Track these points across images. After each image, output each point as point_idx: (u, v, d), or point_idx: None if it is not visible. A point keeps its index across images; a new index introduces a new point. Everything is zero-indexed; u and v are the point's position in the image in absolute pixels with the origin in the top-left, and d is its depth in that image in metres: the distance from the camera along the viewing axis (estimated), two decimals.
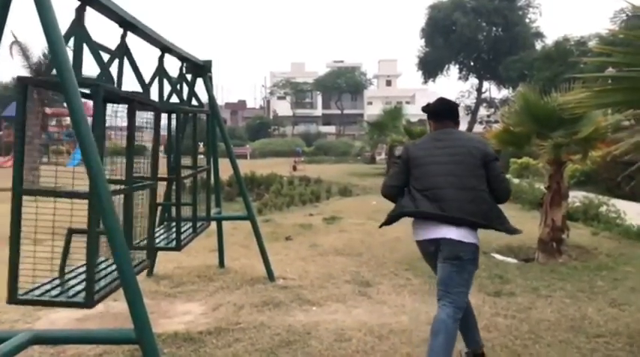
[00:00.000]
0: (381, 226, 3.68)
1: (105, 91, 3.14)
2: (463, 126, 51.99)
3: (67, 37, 3.02)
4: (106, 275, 3.37)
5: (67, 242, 3.62)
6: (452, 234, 3.22)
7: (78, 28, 3.06)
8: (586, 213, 9.51)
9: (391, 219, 3.55)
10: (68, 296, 3.16)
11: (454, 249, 3.24)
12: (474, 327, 3.63)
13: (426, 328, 4.32)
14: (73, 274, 3.48)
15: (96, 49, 3.17)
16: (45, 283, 3.22)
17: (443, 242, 3.26)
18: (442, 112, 3.67)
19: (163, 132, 5.13)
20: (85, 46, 3.12)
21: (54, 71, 2.81)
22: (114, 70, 3.48)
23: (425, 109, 3.74)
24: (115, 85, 3.47)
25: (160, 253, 6.22)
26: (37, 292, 3.15)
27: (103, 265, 3.51)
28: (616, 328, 4.33)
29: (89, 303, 3.04)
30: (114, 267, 3.32)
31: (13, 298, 3.09)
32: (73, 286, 3.27)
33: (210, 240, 7.05)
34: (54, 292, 3.16)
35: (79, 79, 2.83)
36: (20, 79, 2.98)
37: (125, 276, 2.80)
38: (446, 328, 3.17)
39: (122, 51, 3.56)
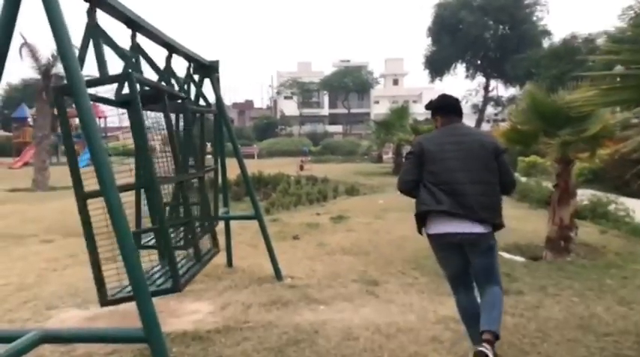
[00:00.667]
0: (420, 231, 3.68)
1: (137, 79, 3.24)
2: (470, 124, 51.71)
3: (85, 40, 3.08)
4: (182, 266, 3.81)
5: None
6: (477, 228, 3.40)
7: (94, 29, 3.10)
8: (594, 211, 9.46)
9: (419, 219, 3.61)
10: (157, 285, 3.59)
11: (484, 241, 3.43)
12: (489, 311, 3.52)
13: (434, 327, 4.35)
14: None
15: (116, 44, 3.21)
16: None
17: (471, 236, 3.41)
18: (448, 107, 3.78)
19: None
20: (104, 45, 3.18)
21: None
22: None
23: (430, 105, 3.82)
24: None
25: None
26: (124, 291, 3.50)
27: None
28: (625, 327, 4.31)
29: (177, 287, 3.45)
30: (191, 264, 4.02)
31: (104, 301, 3.40)
32: (155, 279, 3.67)
33: (218, 239, 7.07)
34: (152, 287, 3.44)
35: (105, 76, 2.95)
36: (55, 89, 3.09)
37: (134, 276, 2.82)
38: (499, 297, 3.47)
39: (136, 50, 3.60)
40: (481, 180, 3.43)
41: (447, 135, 3.63)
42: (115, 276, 3.49)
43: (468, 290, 3.64)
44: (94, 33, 3.11)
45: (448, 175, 3.45)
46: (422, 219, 3.58)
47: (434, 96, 4.04)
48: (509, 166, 3.59)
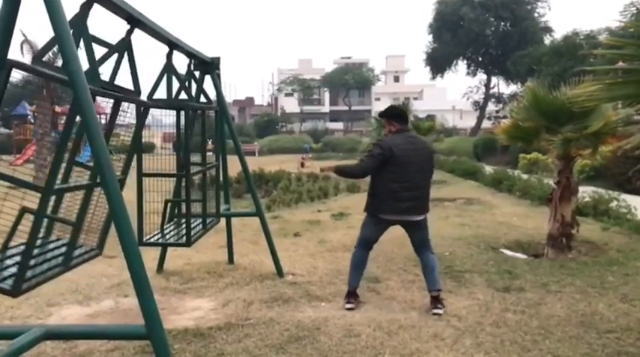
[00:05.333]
0: (367, 211, 4.89)
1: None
2: (471, 121, 51.97)
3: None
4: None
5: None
6: (423, 215, 4.83)
7: (78, 20, 3.04)
8: (596, 208, 9.44)
9: (375, 204, 4.81)
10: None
11: (424, 221, 4.90)
12: (430, 273, 4.81)
13: (436, 324, 4.35)
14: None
15: (90, 42, 3.14)
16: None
17: (420, 221, 4.83)
18: (402, 115, 4.93)
19: (169, 129, 5.18)
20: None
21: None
22: (111, 64, 3.50)
23: (386, 113, 4.94)
24: (110, 80, 3.50)
25: (169, 250, 6.28)
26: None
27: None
28: (627, 324, 4.30)
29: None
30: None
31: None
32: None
33: (220, 236, 7.08)
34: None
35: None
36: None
37: (135, 272, 2.81)
38: (435, 262, 4.88)
39: (124, 46, 3.55)
40: (428, 178, 4.89)
41: (407, 142, 4.70)
42: None
43: (369, 250, 4.94)
44: (77, 25, 3.03)
45: (409, 175, 4.61)
46: (377, 204, 4.72)
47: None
48: None
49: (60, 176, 3.34)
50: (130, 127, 3.94)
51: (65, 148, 3.40)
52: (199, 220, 5.21)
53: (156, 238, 4.87)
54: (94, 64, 3.18)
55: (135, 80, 3.73)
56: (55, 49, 2.93)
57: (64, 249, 3.48)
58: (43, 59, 3.03)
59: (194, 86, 5.41)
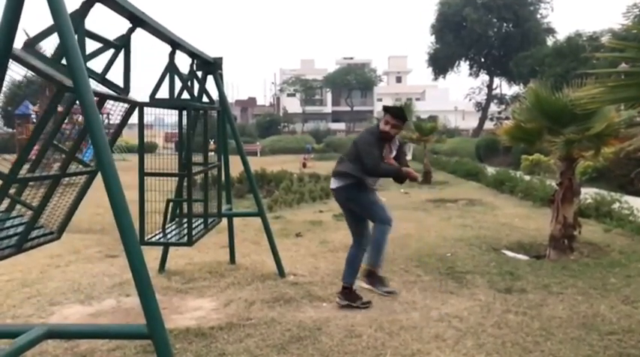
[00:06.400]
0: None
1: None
2: (474, 122, 51.89)
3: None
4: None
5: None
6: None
7: (77, 17, 3.05)
8: (598, 210, 9.42)
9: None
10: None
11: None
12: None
13: (437, 325, 4.34)
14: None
15: (83, 36, 3.13)
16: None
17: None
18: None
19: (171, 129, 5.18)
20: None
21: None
22: (105, 59, 3.51)
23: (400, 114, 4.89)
24: (103, 74, 3.50)
25: (171, 249, 6.28)
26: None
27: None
28: (629, 326, 4.29)
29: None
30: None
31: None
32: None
33: (221, 236, 7.08)
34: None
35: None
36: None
37: (137, 272, 2.81)
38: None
39: (122, 43, 3.55)
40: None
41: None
42: None
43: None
44: (75, 20, 3.04)
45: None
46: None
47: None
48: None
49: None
50: (112, 127, 3.96)
51: (37, 138, 3.39)
52: (201, 220, 5.22)
53: (157, 237, 4.87)
54: (84, 57, 3.18)
55: (126, 78, 3.72)
56: (54, 47, 2.94)
57: (20, 228, 3.44)
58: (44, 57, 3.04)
59: (196, 86, 5.42)
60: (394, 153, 5.02)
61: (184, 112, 4.76)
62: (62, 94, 3.11)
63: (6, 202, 3.44)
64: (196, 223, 5.07)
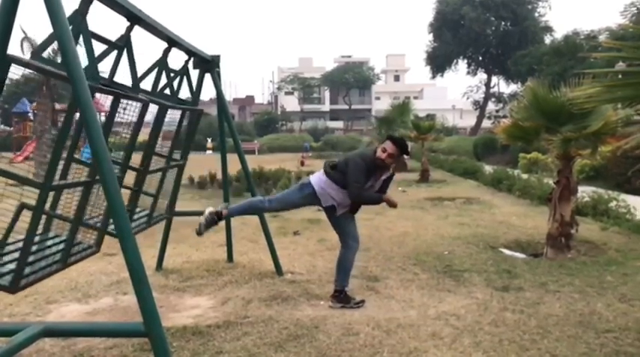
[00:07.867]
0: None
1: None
2: (471, 121, 51.96)
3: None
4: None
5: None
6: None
7: (77, 16, 3.04)
8: (595, 208, 9.44)
9: None
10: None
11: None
12: None
13: (434, 323, 4.35)
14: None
15: (89, 38, 3.12)
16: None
17: None
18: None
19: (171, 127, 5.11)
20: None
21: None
22: (110, 60, 3.49)
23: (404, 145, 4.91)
24: (110, 77, 3.49)
25: (168, 248, 6.28)
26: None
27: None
28: (625, 324, 4.31)
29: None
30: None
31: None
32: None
33: (219, 235, 7.07)
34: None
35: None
36: None
37: (134, 270, 2.81)
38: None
39: (123, 43, 3.54)
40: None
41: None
42: None
43: None
44: (76, 21, 3.02)
45: None
46: None
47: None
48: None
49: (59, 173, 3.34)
50: (131, 125, 3.91)
51: (63, 144, 3.40)
52: (145, 213, 4.97)
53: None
54: (94, 60, 3.18)
55: (134, 77, 3.72)
56: (55, 46, 2.93)
57: (62, 246, 3.47)
58: (44, 56, 3.03)
59: (189, 83, 5.32)
60: (381, 182, 4.94)
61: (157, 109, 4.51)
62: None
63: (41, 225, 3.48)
64: (139, 215, 4.89)
